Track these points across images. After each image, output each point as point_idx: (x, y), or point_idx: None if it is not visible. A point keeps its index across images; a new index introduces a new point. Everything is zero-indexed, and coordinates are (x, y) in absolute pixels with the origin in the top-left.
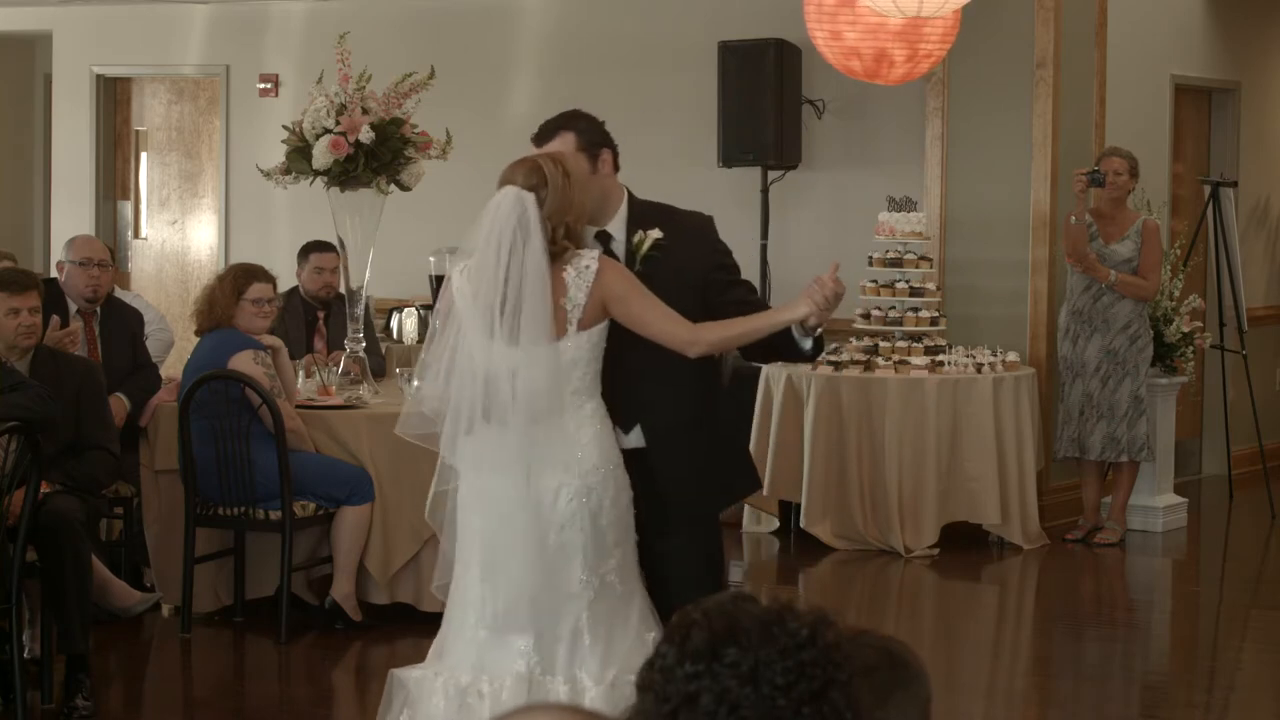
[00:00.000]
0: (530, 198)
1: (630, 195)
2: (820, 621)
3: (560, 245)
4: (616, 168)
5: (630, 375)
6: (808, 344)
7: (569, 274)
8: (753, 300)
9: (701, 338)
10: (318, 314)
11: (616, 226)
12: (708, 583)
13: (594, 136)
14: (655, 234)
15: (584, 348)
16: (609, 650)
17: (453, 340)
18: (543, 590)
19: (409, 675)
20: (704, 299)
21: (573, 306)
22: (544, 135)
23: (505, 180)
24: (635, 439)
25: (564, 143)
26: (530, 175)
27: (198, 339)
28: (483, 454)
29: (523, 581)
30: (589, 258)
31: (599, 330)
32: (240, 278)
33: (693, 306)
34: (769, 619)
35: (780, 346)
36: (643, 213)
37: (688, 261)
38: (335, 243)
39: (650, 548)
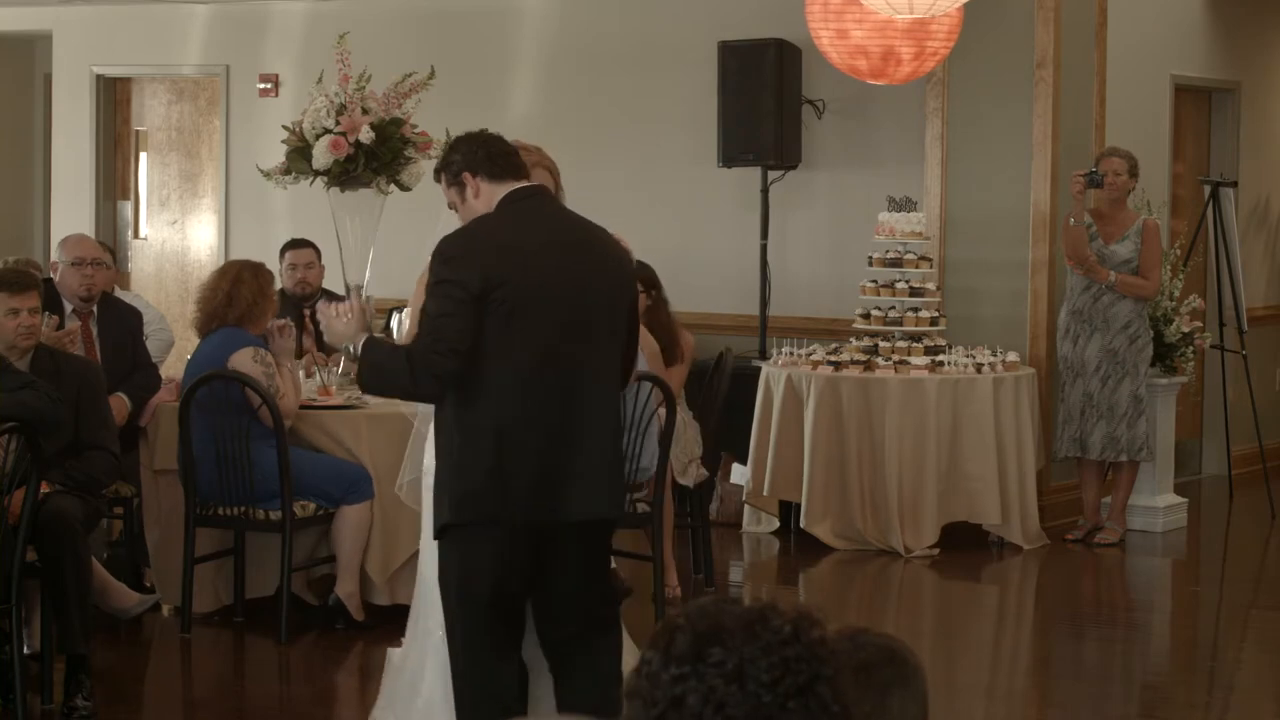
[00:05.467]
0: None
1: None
2: (803, 618)
3: None
4: (508, 174)
5: None
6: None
7: None
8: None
9: None
10: (303, 312)
11: None
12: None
13: (452, 168)
14: None
15: None
16: None
17: None
18: None
19: None
20: None
21: None
22: None
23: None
24: None
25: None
26: None
27: (200, 337)
28: None
29: None
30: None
31: None
32: (265, 274)
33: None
34: (752, 618)
35: None
36: None
37: None
38: (317, 241)
39: None
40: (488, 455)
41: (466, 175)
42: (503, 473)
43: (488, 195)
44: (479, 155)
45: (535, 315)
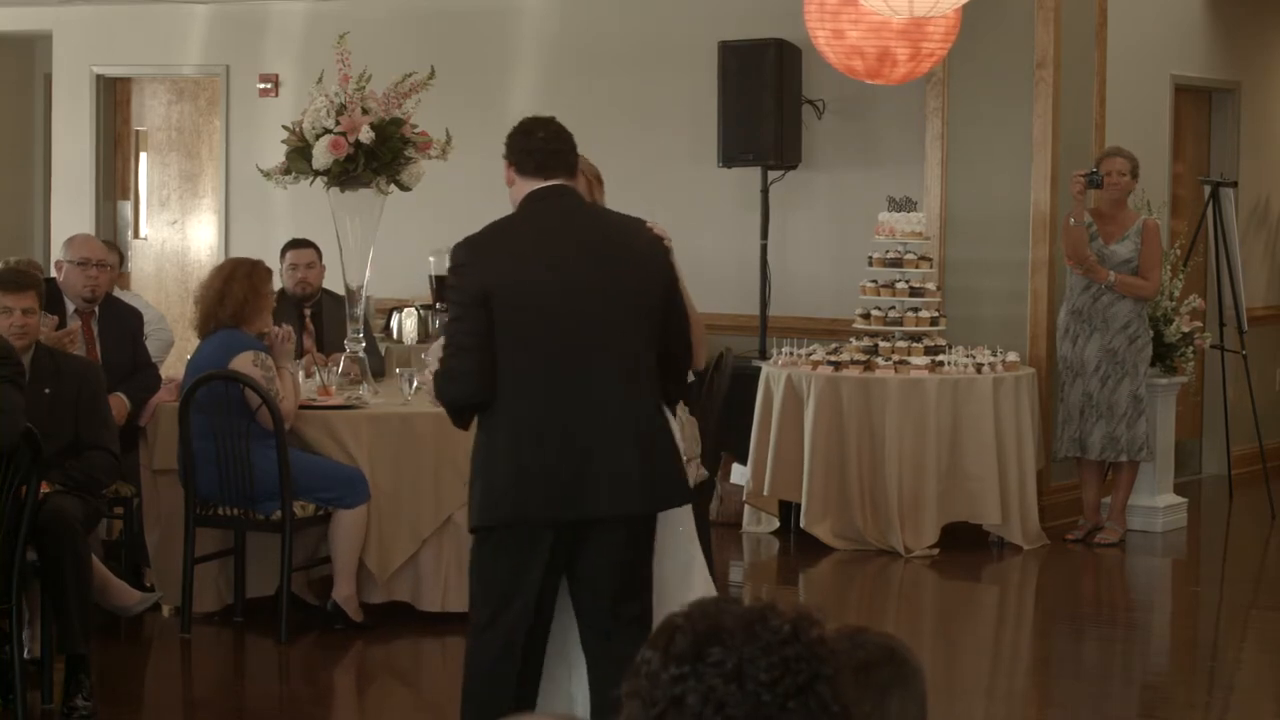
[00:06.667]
0: None
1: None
2: (803, 618)
3: None
4: (536, 172)
5: None
6: None
7: None
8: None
9: None
10: (303, 312)
11: None
12: None
13: (504, 151)
14: None
15: None
16: None
17: None
18: None
19: None
20: None
21: None
22: None
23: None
24: None
25: None
26: None
27: (200, 338)
28: None
29: None
30: None
31: None
32: (261, 272)
33: None
34: (751, 618)
35: None
36: None
37: None
38: (317, 241)
39: None
40: (507, 456)
41: (506, 161)
42: (522, 473)
43: (518, 187)
44: (517, 146)
45: (537, 318)
